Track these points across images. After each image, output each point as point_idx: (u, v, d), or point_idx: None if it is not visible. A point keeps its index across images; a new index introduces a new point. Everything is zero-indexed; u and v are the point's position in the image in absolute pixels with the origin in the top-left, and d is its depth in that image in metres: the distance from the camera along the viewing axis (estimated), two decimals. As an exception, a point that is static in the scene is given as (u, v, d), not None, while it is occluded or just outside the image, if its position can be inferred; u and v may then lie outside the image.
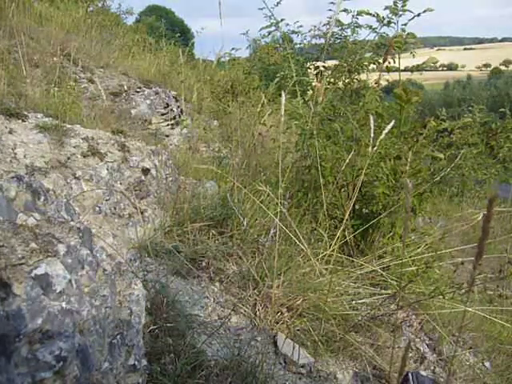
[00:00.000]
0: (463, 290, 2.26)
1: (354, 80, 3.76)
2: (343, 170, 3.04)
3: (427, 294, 2.40)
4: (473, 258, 2.40)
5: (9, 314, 0.95)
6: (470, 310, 2.23)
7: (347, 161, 2.85)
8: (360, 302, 2.59)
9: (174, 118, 5.57)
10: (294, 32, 4.02)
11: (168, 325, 1.89)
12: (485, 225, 0.76)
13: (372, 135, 2.39)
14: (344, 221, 2.42)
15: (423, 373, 2.15)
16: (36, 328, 0.99)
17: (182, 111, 5.74)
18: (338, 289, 2.47)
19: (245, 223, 2.86)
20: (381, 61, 3.59)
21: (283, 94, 2.27)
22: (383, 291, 2.53)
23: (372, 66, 3.72)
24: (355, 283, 2.54)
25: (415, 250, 2.62)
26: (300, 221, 2.84)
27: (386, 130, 2.30)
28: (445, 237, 2.79)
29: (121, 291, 1.51)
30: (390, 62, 3.26)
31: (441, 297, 2.36)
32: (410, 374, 1.97)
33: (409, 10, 3.35)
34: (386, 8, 3.41)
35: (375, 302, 2.56)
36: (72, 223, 1.30)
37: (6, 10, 4.36)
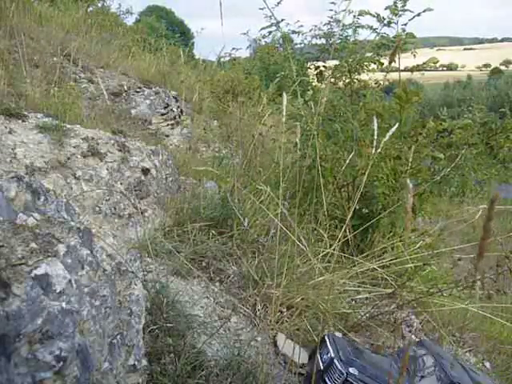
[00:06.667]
0: (461, 288, 2.26)
1: (355, 80, 3.76)
2: (343, 170, 3.04)
3: (426, 292, 2.41)
4: (471, 256, 2.40)
5: (9, 314, 0.95)
6: (471, 308, 2.23)
7: (347, 161, 2.85)
8: (359, 300, 2.59)
9: (174, 117, 5.57)
10: (294, 32, 4.02)
11: (168, 325, 1.89)
12: (486, 224, 0.76)
13: (375, 137, 2.40)
14: (347, 221, 2.42)
15: (338, 334, 2.13)
16: (36, 328, 0.98)
17: (181, 111, 5.74)
18: (337, 288, 2.47)
19: (245, 223, 2.85)
20: (382, 61, 3.59)
21: (284, 95, 2.26)
22: (382, 289, 2.53)
23: (372, 65, 3.72)
24: (354, 282, 2.54)
25: (414, 248, 2.62)
26: (300, 221, 2.84)
27: (390, 133, 2.30)
28: (443, 234, 2.79)
29: (121, 291, 1.51)
30: (394, 62, 3.27)
31: (439, 294, 2.36)
32: (326, 336, 1.97)
33: (409, 10, 3.36)
34: (387, 8, 3.42)
35: (375, 300, 2.56)
36: (72, 223, 1.30)
37: (6, 10, 4.36)
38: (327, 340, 1.94)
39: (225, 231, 2.88)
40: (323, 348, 1.91)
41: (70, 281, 1.09)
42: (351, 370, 1.76)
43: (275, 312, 2.34)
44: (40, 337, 0.99)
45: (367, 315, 2.51)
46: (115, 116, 4.49)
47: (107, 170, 2.83)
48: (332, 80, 3.74)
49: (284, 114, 2.29)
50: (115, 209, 2.74)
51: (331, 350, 1.86)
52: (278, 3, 3.81)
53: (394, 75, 3.67)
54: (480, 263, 0.79)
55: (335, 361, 1.80)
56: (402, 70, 3.50)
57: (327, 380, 1.79)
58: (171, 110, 5.60)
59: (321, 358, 1.88)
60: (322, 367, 1.84)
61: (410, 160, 3.11)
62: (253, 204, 3.02)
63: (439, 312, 2.64)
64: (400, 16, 3.40)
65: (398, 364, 1.93)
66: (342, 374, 1.75)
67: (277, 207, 2.55)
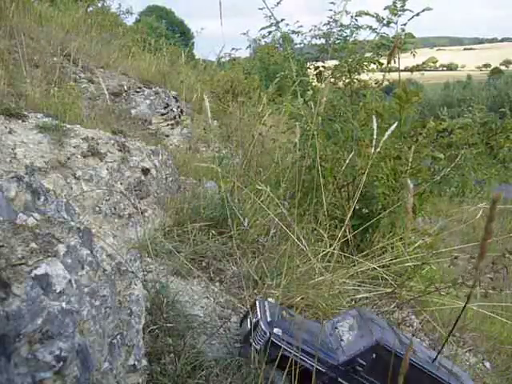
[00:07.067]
0: (458, 287, 2.27)
1: (354, 80, 3.76)
2: (343, 170, 3.04)
3: (424, 291, 2.41)
4: (469, 255, 2.40)
5: (9, 314, 0.95)
6: (471, 306, 2.23)
7: (347, 161, 2.85)
8: (359, 300, 2.59)
9: (174, 117, 5.57)
10: (294, 32, 4.02)
11: (168, 325, 1.89)
12: (487, 225, 0.75)
13: (375, 137, 2.41)
14: (347, 221, 2.43)
15: (271, 300, 2.14)
16: (36, 328, 0.98)
17: (182, 111, 5.74)
18: (337, 287, 2.48)
19: (245, 223, 2.85)
20: (382, 61, 3.59)
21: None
22: (382, 289, 2.53)
23: (372, 65, 3.72)
24: (354, 281, 2.54)
25: (414, 248, 2.63)
26: (300, 221, 2.84)
27: (388, 132, 2.31)
28: (442, 234, 2.79)
29: (121, 291, 1.51)
30: (394, 62, 3.27)
31: (438, 293, 2.36)
32: (257, 301, 1.99)
33: (408, 10, 3.36)
34: (386, 8, 3.41)
35: (375, 299, 2.56)
36: (72, 223, 1.30)
37: (5, 10, 4.36)
38: (257, 305, 1.96)
39: (225, 231, 2.88)
40: (253, 313, 1.94)
41: (69, 281, 1.09)
42: (275, 330, 1.79)
43: (275, 312, 2.34)
44: (40, 337, 0.99)
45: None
46: (115, 116, 4.49)
47: (107, 170, 2.83)
48: (332, 80, 3.73)
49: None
50: (115, 209, 2.74)
51: (258, 314, 1.89)
52: (278, 3, 3.81)
53: (393, 75, 3.67)
54: (481, 263, 0.79)
55: (260, 322, 1.83)
56: (402, 70, 3.50)
57: (251, 341, 1.82)
58: (171, 110, 5.60)
59: (250, 321, 1.91)
60: (248, 330, 1.87)
61: (410, 160, 3.11)
62: (253, 204, 3.02)
63: (439, 312, 2.64)
64: (399, 16, 3.40)
65: (332, 330, 1.97)
66: (266, 333, 1.78)
67: (277, 207, 2.56)
